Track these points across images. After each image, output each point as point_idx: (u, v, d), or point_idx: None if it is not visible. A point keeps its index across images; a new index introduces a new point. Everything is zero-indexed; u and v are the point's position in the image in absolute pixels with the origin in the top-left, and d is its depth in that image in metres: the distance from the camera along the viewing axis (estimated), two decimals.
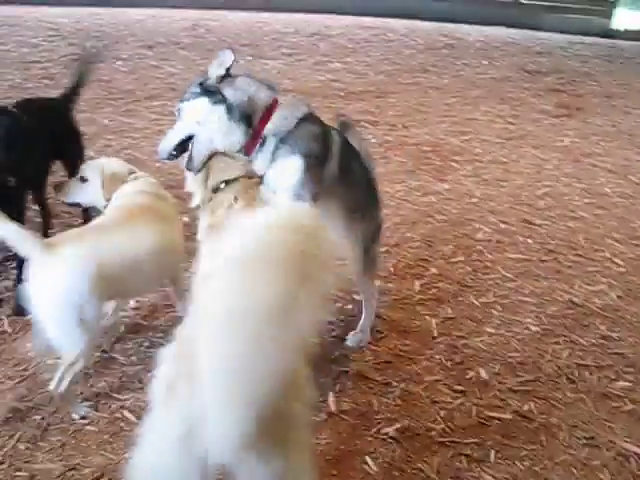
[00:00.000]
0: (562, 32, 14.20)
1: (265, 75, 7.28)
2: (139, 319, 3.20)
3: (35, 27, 8.87)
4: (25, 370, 2.81)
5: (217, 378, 1.43)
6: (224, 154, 2.46)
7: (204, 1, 11.47)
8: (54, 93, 4.60)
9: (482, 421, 2.70)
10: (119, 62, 7.44)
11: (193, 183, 2.44)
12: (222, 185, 2.32)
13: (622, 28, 16.61)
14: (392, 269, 3.76)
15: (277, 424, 1.58)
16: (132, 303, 3.30)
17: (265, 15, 11.25)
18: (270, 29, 10.17)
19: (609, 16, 16.32)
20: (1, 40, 8.17)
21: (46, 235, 3.76)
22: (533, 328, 3.34)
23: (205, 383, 1.44)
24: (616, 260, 4.10)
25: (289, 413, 1.64)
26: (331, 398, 2.74)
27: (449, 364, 3.02)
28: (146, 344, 3.02)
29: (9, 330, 3.06)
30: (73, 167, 3.74)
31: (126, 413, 2.61)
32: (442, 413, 2.73)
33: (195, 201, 2.40)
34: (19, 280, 3.21)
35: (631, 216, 4.79)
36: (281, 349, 1.41)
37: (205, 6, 11.30)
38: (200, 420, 1.49)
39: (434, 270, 3.80)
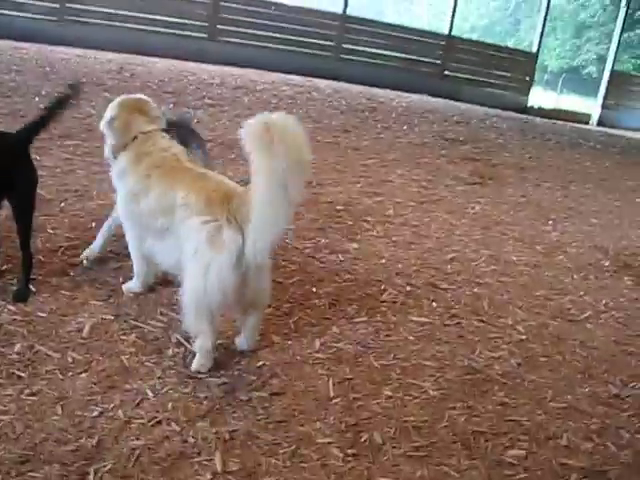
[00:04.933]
0: (481, 105, 14.81)
1: None
2: None
3: None
4: None
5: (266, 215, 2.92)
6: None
7: (133, 45, 11.45)
8: None
9: None
10: (37, 98, 7.26)
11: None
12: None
13: (536, 105, 17.54)
14: (293, 326, 3.68)
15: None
16: None
17: (192, 65, 11.29)
18: (195, 79, 10.19)
19: (526, 93, 17.20)
20: None
21: None
22: (431, 392, 3.29)
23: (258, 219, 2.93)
24: (518, 327, 4.13)
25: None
26: (217, 457, 2.60)
27: (343, 426, 2.92)
28: None
29: None
30: (20, 207, 3.51)
31: None
32: (332, 477, 2.61)
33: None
34: None
35: (535, 285, 4.88)
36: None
37: (133, 51, 11.27)
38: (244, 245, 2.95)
39: (335, 329, 3.72)
